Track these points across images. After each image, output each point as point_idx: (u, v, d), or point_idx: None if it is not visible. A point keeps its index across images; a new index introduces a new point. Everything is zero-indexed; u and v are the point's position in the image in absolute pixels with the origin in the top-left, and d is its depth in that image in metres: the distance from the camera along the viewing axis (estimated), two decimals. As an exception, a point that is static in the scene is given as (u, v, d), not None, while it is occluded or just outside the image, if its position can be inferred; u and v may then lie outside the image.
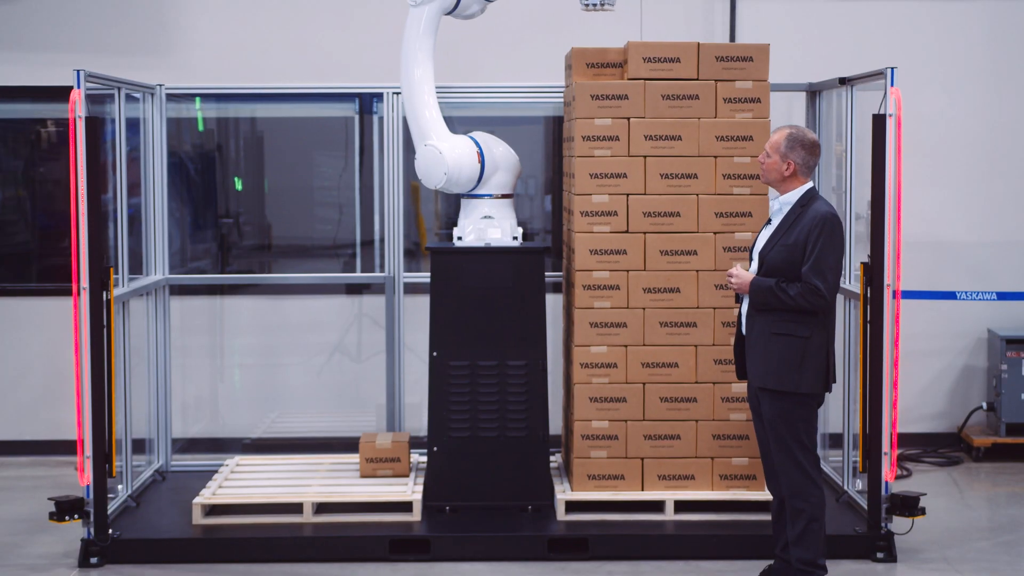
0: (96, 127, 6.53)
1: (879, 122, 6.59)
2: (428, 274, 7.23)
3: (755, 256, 5.97)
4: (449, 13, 7.19)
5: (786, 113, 8.72)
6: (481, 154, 7.11)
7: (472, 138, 7.19)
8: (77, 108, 6.47)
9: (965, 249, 9.09)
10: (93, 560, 6.59)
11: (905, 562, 6.65)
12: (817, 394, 5.87)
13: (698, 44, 7.00)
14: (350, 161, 9.00)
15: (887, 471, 6.68)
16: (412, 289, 8.19)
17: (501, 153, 7.22)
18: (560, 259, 8.04)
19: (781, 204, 5.91)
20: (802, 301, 5.71)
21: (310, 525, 6.89)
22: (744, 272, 5.91)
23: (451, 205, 8.93)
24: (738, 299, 6.09)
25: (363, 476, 7.46)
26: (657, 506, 7.02)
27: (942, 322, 9.08)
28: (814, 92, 8.06)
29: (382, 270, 8.28)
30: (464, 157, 7.04)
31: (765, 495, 7.00)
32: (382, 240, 8.26)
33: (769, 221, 5.96)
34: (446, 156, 6.97)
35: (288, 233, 9.31)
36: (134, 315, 7.58)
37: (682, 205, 7.00)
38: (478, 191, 7.20)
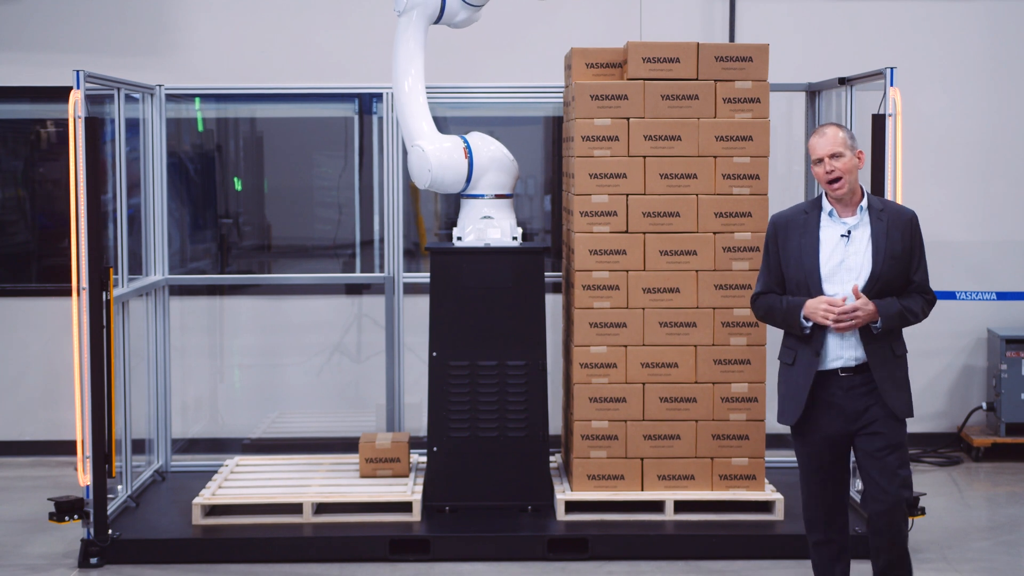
0: (96, 127, 6.53)
1: (879, 122, 6.60)
2: (428, 274, 7.24)
3: (845, 277, 5.19)
4: (436, 22, 7.23)
5: (786, 113, 8.73)
6: (469, 153, 7.12)
7: (463, 138, 7.20)
8: (77, 108, 6.48)
9: (965, 249, 9.09)
10: (93, 560, 6.60)
11: (905, 562, 6.65)
12: None
13: (697, 44, 7.00)
14: (350, 161, 9.01)
15: (887, 471, 6.68)
16: (412, 289, 8.19)
17: (493, 153, 7.21)
18: (560, 259, 8.05)
19: (862, 211, 5.24)
20: (922, 315, 5.29)
21: (310, 525, 6.89)
22: (864, 300, 5.12)
23: (451, 205, 8.93)
24: (800, 331, 5.23)
25: (363, 476, 7.46)
26: (657, 506, 7.02)
27: (942, 322, 9.07)
28: (814, 92, 8.06)
29: (382, 270, 8.29)
30: (448, 156, 7.08)
31: (765, 495, 7.01)
32: (382, 240, 8.26)
33: (848, 234, 5.22)
34: (429, 155, 7.04)
35: (288, 233, 9.31)
36: (134, 315, 7.58)
37: (682, 205, 7.00)
38: (472, 191, 7.20)
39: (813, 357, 5.21)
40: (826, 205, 5.28)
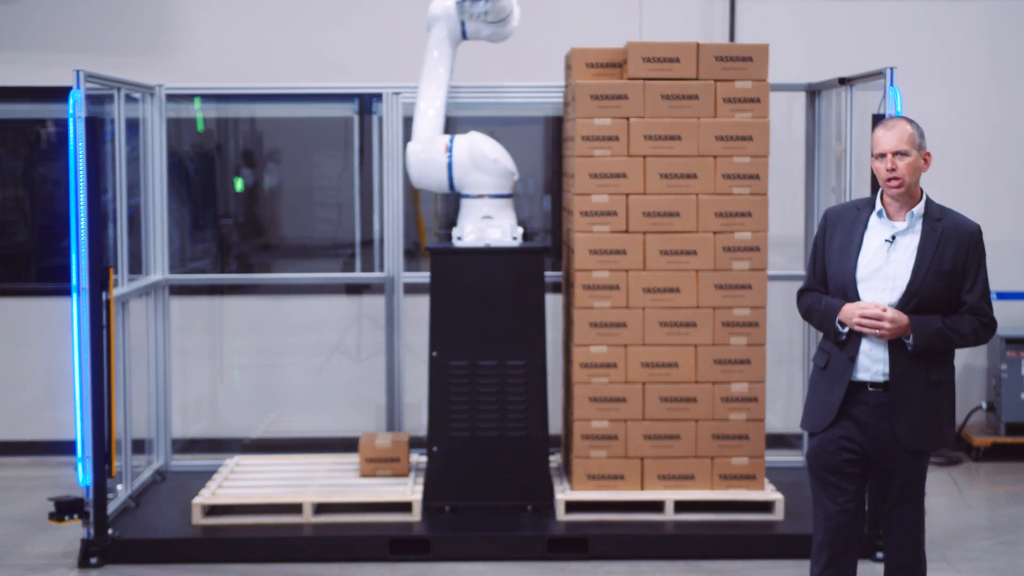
0: (96, 127, 6.53)
1: (879, 122, 6.58)
2: (428, 274, 7.24)
3: (880, 286, 4.82)
4: (464, 37, 7.46)
5: (786, 113, 8.73)
6: (449, 152, 7.18)
7: (452, 138, 7.22)
8: (77, 108, 6.48)
9: (965, 249, 9.07)
10: (93, 560, 6.60)
11: (905, 562, 6.65)
12: None
13: (697, 44, 7.00)
14: (350, 161, 9.00)
15: (887, 471, 6.67)
16: (412, 289, 8.19)
17: (473, 153, 7.19)
18: (560, 259, 8.05)
19: (913, 218, 4.83)
20: (974, 339, 4.81)
21: (310, 525, 6.89)
22: (899, 313, 4.73)
23: (451, 205, 8.93)
24: (838, 336, 4.87)
25: (363, 476, 7.46)
26: (657, 506, 7.02)
27: None
28: (813, 92, 8.05)
29: (382, 270, 8.28)
30: (427, 155, 7.24)
31: (765, 495, 7.00)
32: (382, 240, 8.26)
33: (893, 239, 4.84)
34: (409, 154, 7.25)
35: (288, 233, 9.31)
36: (134, 315, 7.58)
37: (682, 205, 7.00)
38: (466, 191, 7.20)
39: (847, 363, 4.85)
40: (878, 204, 4.90)
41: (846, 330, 4.84)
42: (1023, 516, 7.58)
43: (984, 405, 9.00)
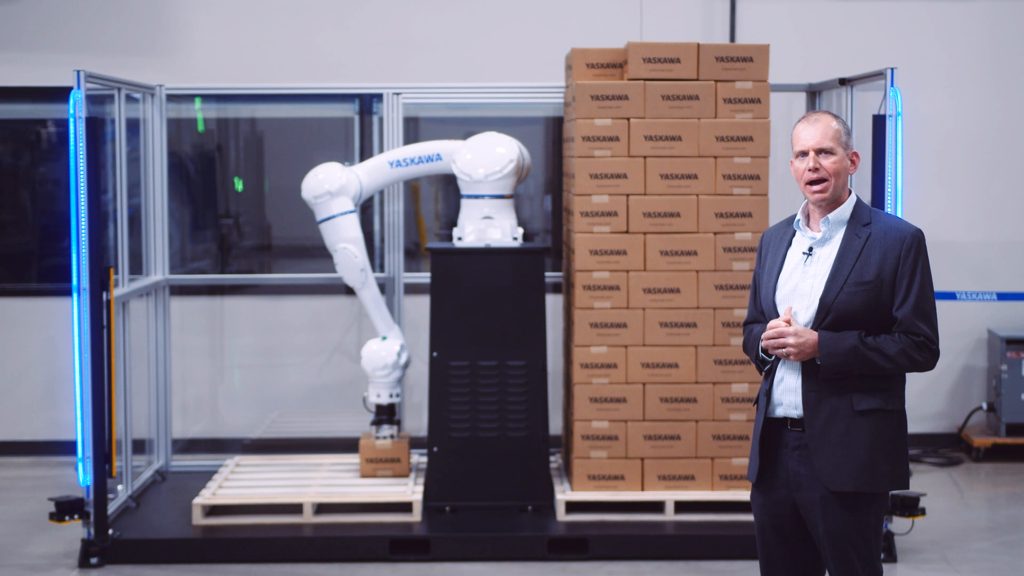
0: (96, 127, 6.53)
1: (879, 123, 6.59)
2: (428, 274, 7.24)
3: (796, 306, 4.21)
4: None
5: (786, 113, 8.73)
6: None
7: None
8: (77, 108, 6.48)
9: (965, 249, 9.09)
10: (93, 560, 6.60)
11: (905, 562, 6.66)
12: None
13: (698, 44, 7.00)
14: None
15: (887, 471, 6.66)
16: (412, 289, 8.19)
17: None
18: (560, 259, 8.04)
19: (830, 224, 4.20)
20: (905, 361, 4.11)
21: (310, 525, 6.89)
22: (804, 329, 4.13)
23: (451, 205, 8.93)
24: (763, 367, 4.32)
25: (363, 476, 7.46)
26: (657, 506, 7.02)
27: (942, 322, 8.97)
28: (814, 92, 8.05)
29: (382, 270, 8.28)
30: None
31: (765, 495, 7.00)
32: (382, 240, 8.26)
33: (810, 251, 4.23)
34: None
35: (288, 233, 9.31)
36: (134, 315, 7.58)
37: (682, 205, 7.00)
38: (472, 191, 7.22)
39: (764, 398, 4.27)
40: (799, 214, 4.32)
41: (772, 359, 4.26)
42: (1023, 516, 7.58)
43: (984, 405, 9.00)
